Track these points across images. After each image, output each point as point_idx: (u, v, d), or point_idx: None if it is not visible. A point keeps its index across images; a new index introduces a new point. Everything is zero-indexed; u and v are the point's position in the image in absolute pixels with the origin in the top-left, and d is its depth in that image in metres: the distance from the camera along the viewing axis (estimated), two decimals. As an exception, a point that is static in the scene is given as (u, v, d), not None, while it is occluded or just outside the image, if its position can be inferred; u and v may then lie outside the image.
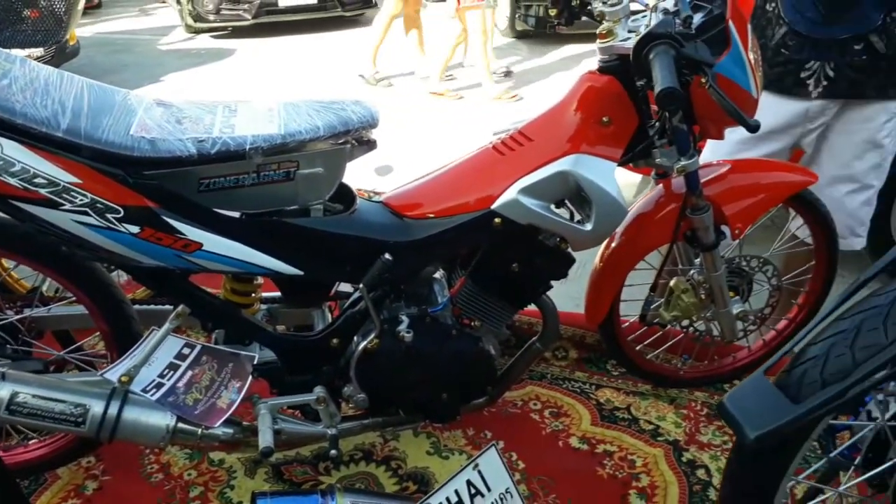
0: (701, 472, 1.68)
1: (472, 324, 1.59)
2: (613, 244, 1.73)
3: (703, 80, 1.27)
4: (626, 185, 1.88)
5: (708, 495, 1.62)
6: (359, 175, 1.63)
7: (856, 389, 0.84)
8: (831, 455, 1.02)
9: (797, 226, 1.87)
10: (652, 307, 1.77)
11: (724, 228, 1.65)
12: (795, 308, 1.96)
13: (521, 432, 1.81)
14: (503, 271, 1.54)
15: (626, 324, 1.86)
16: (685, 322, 1.79)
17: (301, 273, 1.40)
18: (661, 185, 1.70)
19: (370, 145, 1.46)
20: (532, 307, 1.65)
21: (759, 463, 0.97)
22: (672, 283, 1.75)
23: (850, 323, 0.89)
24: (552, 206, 1.50)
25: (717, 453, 1.74)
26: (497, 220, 1.47)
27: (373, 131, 1.45)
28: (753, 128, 1.24)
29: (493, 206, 1.46)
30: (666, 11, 1.36)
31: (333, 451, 1.49)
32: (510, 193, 1.45)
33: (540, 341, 1.68)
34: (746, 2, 1.44)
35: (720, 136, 1.58)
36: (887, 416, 0.99)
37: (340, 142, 1.40)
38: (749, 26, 1.46)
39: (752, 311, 1.81)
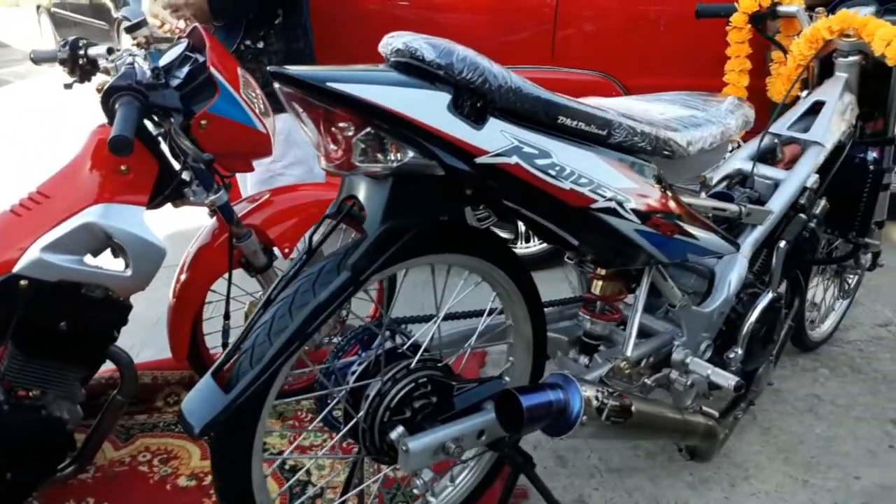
0: (301, 474, 1.81)
1: (31, 394, 1.54)
2: (182, 278, 1.80)
3: (170, 124, 1.39)
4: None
5: (305, 491, 1.75)
6: None
7: (270, 370, 1.00)
8: (309, 428, 1.19)
9: None
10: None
11: (276, 250, 1.82)
12: (373, 308, 2.22)
13: (127, 488, 1.78)
14: (50, 332, 1.51)
15: (217, 355, 1.93)
16: (268, 340, 1.92)
17: None
18: (214, 219, 1.81)
19: None
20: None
21: (224, 451, 1.09)
22: (246, 307, 1.88)
23: (268, 314, 1.06)
24: (87, 258, 1.52)
25: (317, 451, 1.89)
26: (23, 282, 1.44)
27: None
28: (207, 161, 1.39)
29: (15, 269, 1.43)
30: (131, 64, 1.46)
31: None
32: (32, 253, 1.44)
33: (121, 393, 1.69)
34: (226, 57, 1.62)
35: (249, 168, 1.74)
36: (349, 386, 1.19)
37: None
38: (240, 70, 1.64)
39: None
